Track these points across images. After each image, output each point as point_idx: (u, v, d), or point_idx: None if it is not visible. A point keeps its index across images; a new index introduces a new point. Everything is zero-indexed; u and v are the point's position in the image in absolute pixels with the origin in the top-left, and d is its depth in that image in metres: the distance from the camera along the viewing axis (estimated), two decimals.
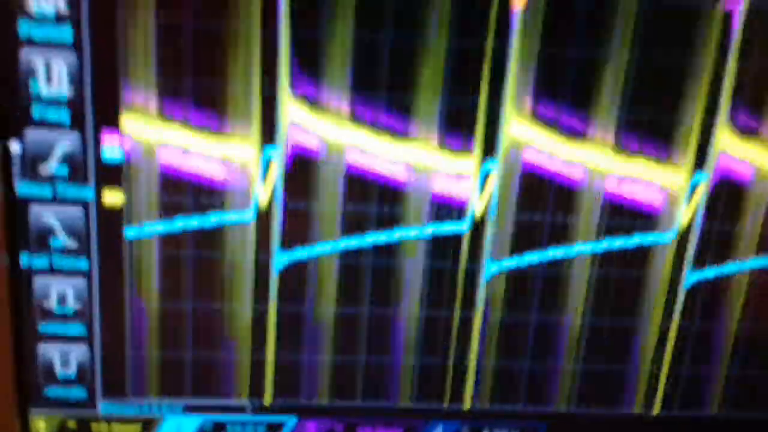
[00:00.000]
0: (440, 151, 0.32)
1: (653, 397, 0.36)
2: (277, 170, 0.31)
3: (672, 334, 0.35)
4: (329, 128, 0.31)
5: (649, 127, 0.32)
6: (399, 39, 0.30)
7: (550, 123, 0.32)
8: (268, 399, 0.34)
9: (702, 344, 0.35)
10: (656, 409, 0.36)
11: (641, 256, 0.34)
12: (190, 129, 0.30)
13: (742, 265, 0.34)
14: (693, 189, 0.33)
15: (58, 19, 0.29)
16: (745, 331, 0.35)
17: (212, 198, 0.31)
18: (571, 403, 0.36)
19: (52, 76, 0.29)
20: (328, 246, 0.32)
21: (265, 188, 0.31)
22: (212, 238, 0.32)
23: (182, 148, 0.31)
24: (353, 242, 0.33)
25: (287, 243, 0.32)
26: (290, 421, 0.35)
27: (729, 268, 0.34)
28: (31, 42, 0.29)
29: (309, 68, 0.30)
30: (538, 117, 0.32)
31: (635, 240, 0.34)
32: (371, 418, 0.35)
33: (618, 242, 0.34)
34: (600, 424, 0.36)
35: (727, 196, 0.33)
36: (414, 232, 0.33)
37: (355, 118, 0.31)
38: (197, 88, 0.30)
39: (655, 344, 0.35)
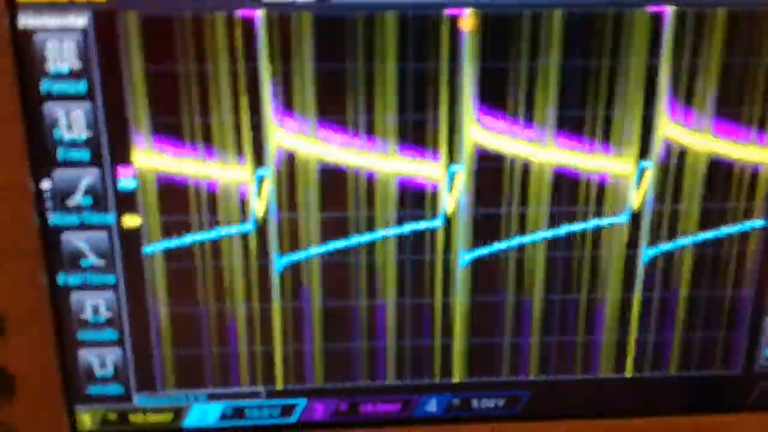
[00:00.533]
0: (413, 160, 0.37)
1: (624, 362, 0.41)
2: (269, 187, 0.36)
3: (636, 304, 0.40)
4: (310, 149, 0.36)
5: (599, 123, 0.37)
6: (366, 66, 0.35)
7: (506, 128, 0.36)
8: (279, 385, 0.40)
9: (662, 312, 0.40)
10: (628, 372, 0.41)
11: (601, 237, 0.38)
12: (192, 159, 0.36)
13: (691, 239, 0.38)
14: (641, 175, 0.37)
15: (73, 75, 0.34)
16: (697, 298, 0.39)
17: (216, 215, 0.37)
18: (550, 371, 0.41)
19: (72, 123, 0.35)
20: (319, 248, 0.38)
21: (260, 203, 0.37)
22: (219, 248, 0.37)
23: (187, 175, 0.36)
24: (341, 244, 0.38)
25: (282, 248, 0.37)
26: (301, 402, 0.40)
27: (679, 243, 0.39)
28: (52, 96, 0.34)
29: (286, 100, 0.35)
30: (494, 124, 0.36)
31: (595, 223, 0.38)
32: (372, 396, 0.41)
33: (579, 226, 0.38)
34: (578, 389, 0.41)
35: (671, 179, 0.37)
36: (393, 231, 0.38)
37: (332, 138, 0.36)
38: (195, 125, 0.35)
39: (621, 314, 0.40)
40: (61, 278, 0.37)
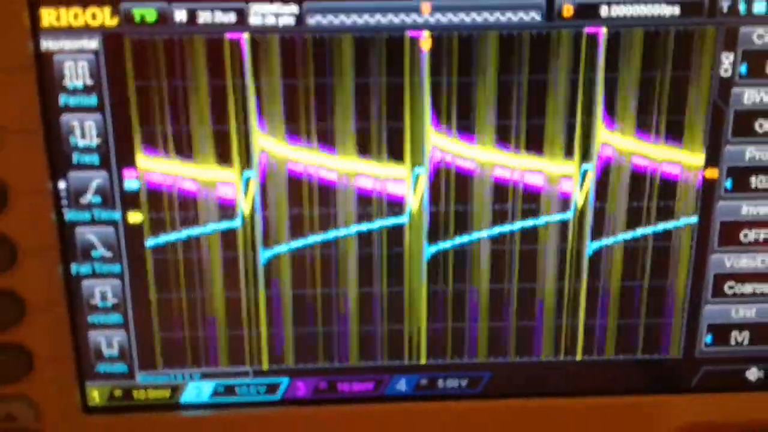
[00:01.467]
0: (382, 163, 0.42)
1: (575, 346, 0.46)
2: (255, 187, 0.42)
3: (583, 293, 0.45)
4: (292, 153, 0.42)
5: (546, 131, 0.42)
6: (341, 81, 0.41)
7: (467, 136, 0.42)
8: (265, 365, 0.46)
9: (607, 300, 0.45)
10: (579, 355, 0.46)
11: (550, 232, 0.44)
12: (188, 162, 0.42)
13: (631, 234, 0.44)
14: (583, 176, 0.43)
15: (86, 90, 0.40)
16: (638, 288, 0.45)
17: (209, 211, 0.43)
18: (508, 354, 0.46)
19: (84, 132, 0.41)
20: (300, 242, 0.43)
21: (246, 201, 0.42)
22: (210, 242, 0.43)
23: (184, 177, 0.42)
24: (319, 238, 0.43)
25: (267, 242, 0.43)
26: (284, 381, 0.46)
27: (620, 237, 0.44)
28: (68, 108, 0.41)
29: (269, 111, 0.41)
30: (456, 131, 0.42)
31: (544, 219, 0.44)
32: (348, 375, 0.46)
33: (530, 222, 0.44)
34: (533, 370, 0.46)
35: (610, 180, 0.43)
36: (366, 226, 0.43)
37: (313, 146, 0.42)
38: (191, 133, 0.41)
39: (570, 302, 0.45)
40: (74, 268, 0.43)
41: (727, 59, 0.41)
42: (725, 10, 0.40)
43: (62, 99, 0.41)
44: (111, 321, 0.44)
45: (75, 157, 0.42)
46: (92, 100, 0.41)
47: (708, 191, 0.43)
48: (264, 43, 0.40)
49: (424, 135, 0.42)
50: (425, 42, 0.41)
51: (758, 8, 0.40)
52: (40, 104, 0.40)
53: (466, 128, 0.42)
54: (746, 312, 0.46)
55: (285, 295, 0.45)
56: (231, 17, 0.40)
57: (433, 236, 0.44)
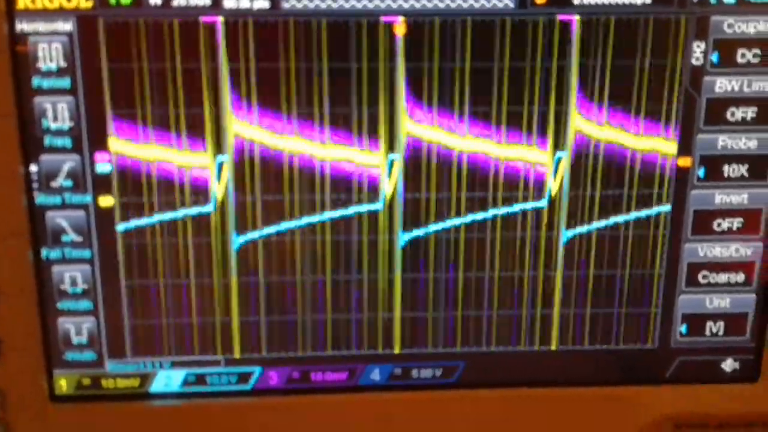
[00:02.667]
0: (356, 149, 0.43)
1: (549, 335, 0.47)
2: (228, 172, 0.43)
3: (557, 282, 0.46)
4: (266, 139, 0.43)
5: (520, 119, 0.43)
6: (315, 66, 0.42)
7: (442, 122, 0.43)
8: (237, 354, 0.46)
9: (581, 289, 0.46)
10: (553, 345, 0.47)
11: (525, 220, 0.45)
12: (161, 147, 0.42)
13: (604, 222, 0.45)
14: (557, 164, 0.44)
15: (59, 72, 0.41)
16: (612, 277, 0.46)
17: (180, 196, 0.43)
18: (483, 343, 0.47)
19: (57, 115, 0.42)
20: (274, 228, 0.44)
21: (219, 186, 0.43)
22: (183, 227, 0.44)
23: (155, 161, 0.43)
24: (293, 225, 0.44)
25: (240, 228, 0.44)
26: (256, 370, 0.46)
27: (594, 226, 0.45)
28: (41, 91, 0.41)
29: (243, 95, 0.42)
30: (431, 118, 0.43)
31: (519, 207, 0.45)
32: (321, 365, 0.46)
33: (504, 210, 0.45)
34: (508, 360, 0.47)
35: (584, 168, 0.44)
36: (339, 213, 0.44)
37: (286, 130, 0.42)
38: (164, 116, 0.42)
39: (544, 291, 0.46)
40: (44, 252, 0.44)
41: (698, 48, 0.43)
42: None
43: (35, 81, 0.41)
44: (80, 307, 0.45)
45: (47, 140, 0.42)
46: (65, 82, 0.41)
47: (681, 180, 0.45)
48: (238, 27, 0.41)
49: (399, 121, 0.43)
50: (400, 27, 0.42)
51: None
52: (13, 86, 0.41)
53: (441, 115, 0.43)
54: (720, 302, 0.47)
55: (258, 282, 0.45)
56: (206, 0, 0.41)
57: (408, 223, 0.45)
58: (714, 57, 0.43)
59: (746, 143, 0.44)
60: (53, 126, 0.42)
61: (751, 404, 0.47)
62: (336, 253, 0.45)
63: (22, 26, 0.40)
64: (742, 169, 0.45)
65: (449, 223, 0.45)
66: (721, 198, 0.45)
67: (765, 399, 0.47)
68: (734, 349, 0.48)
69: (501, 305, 0.46)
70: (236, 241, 0.44)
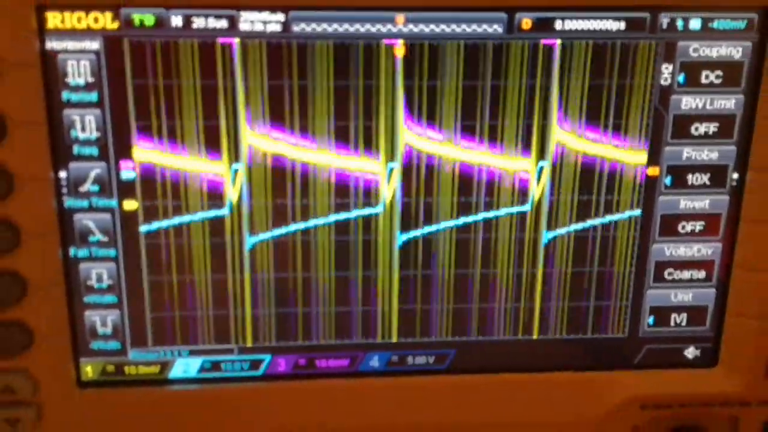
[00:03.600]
0: (359, 158, 0.48)
1: (531, 325, 0.52)
2: (242, 178, 0.47)
3: (539, 278, 0.51)
4: (277, 148, 0.47)
5: (507, 131, 0.48)
6: (323, 83, 0.46)
7: (436, 134, 0.47)
8: (249, 343, 0.50)
9: (561, 284, 0.51)
10: (535, 334, 0.52)
11: (511, 222, 0.50)
12: (181, 156, 0.46)
13: (581, 225, 0.50)
14: (540, 172, 0.49)
15: (87, 87, 0.45)
16: (588, 273, 0.51)
17: (199, 200, 0.47)
18: (471, 333, 0.51)
19: (85, 126, 0.46)
20: (283, 229, 0.48)
21: (234, 191, 0.47)
22: (200, 229, 0.48)
23: (177, 168, 0.47)
24: (301, 226, 0.48)
25: (253, 229, 0.48)
26: (267, 358, 0.51)
27: (572, 227, 0.50)
28: (70, 104, 0.45)
29: (256, 109, 0.46)
30: (426, 130, 0.47)
31: (505, 211, 0.49)
32: (325, 352, 0.51)
33: (492, 213, 0.49)
34: (494, 348, 0.52)
35: (563, 176, 0.49)
36: (344, 216, 0.48)
37: (297, 142, 0.47)
38: (184, 127, 0.46)
39: (528, 286, 0.51)
40: (72, 251, 0.47)
41: (666, 70, 0.47)
42: (665, 26, 0.47)
43: (65, 95, 0.45)
44: (106, 301, 0.49)
45: (75, 149, 0.46)
46: (93, 96, 0.45)
47: (650, 187, 0.50)
48: (253, 48, 0.45)
49: (398, 133, 0.48)
50: (399, 49, 0.46)
51: (694, 25, 0.47)
52: (44, 99, 0.44)
53: (436, 127, 0.48)
54: (684, 296, 0.52)
55: (268, 278, 0.50)
56: (223, 23, 0.45)
57: (405, 225, 0.49)
58: (680, 78, 0.48)
59: (708, 155, 0.49)
60: (81, 136, 0.46)
61: (711, 387, 0.52)
62: (339, 252, 0.49)
63: (52, 44, 0.44)
64: (705, 178, 0.50)
65: (442, 225, 0.50)
66: (685, 203, 0.50)
67: (723, 382, 0.52)
68: (696, 337, 0.53)
69: (488, 299, 0.51)
70: (249, 241, 0.49)
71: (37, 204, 0.46)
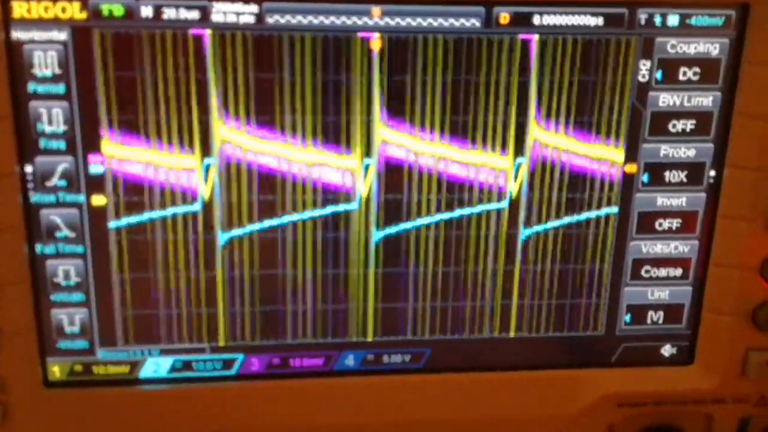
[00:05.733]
0: (335, 153, 0.47)
1: (508, 323, 0.51)
2: (214, 174, 0.46)
3: (515, 276, 0.50)
4: (251, 143, 0.46)
5: (484, 128, 0.47)
6: (294, 77, 0.45)
7: (413, 130, 0.47)
8: (221, 342, 0.49)
9: (537, 282, 0.50)
10: (512, 332, 0.51)
11: (488, 219, 0.49)
12: (150, 150, 0.45)
13: (559, 222, 0.49)
14: (517, 169, 0.48)
15: (54, 79, 0.43)
16: (565, 271, 0.50)
17: (170, 196, 0.46)
18: (447, 331, 0.51)
19: (51, 118, 0.44)
20: (257, 226, 0.47)
21: (206, 187, 0.46)
22: (171, 225, 0.47)
23: (146, 163, 0.45)
24: (275, 223, 0.47)
25: (226, 225, 0.47)
26: (240, 357, 0.50)
27: (550, 224, 0.49)
28: (36, 96, 0.44)
29: (229, 103, 0.45)
30: (403, 126, 0.46)
31: (482, 208, 0.49)
32: (299, 351, 0.50)
33: (469, 210, 0.49)
34: (470, 346, 0.51)
35: (540, 172, 0.48)
36: (319, 212, 0.48)
37: (268, 136, 0.46)
38: (154, 122, 0.45)
39: (504, 283, 0.50)
40: (38, 248, 0.46)
41: (644, 66, 0.47)
42: (643, 22, 0.46)
43: (31, 86, 0.43)
44: (73, 299, 0.47)
45: (42, 143, 0.45)
46: (60, 88, 0.44)
47: (627, 184, 0.49)
48: (225, 40, 0.44)
49: (374, 129, 0.47)
50: (375, 43, 0.45)
51: (672, 21, 0.46)
52: (9, 91, 0.43)
53: (413, 123, 0.47)
54: (660, 294, 0.52)
55: (242, 276, 0.48)
56: (194, 14, 0.44)
57: (381, 222, 0.49)
58: (658, 74, 0.47)
59: (686, 152, 0.49)
60: (48, 129, 0.44)
61: (687, 384, 0.52)
62: (314, 250, 0.48)
63: (18, 34, 0.43)
64: (682, 175, 0.49)
65: (419, 222, 0.49)
66: (663, 201, 0.50)
67: (699, 380, 0.52)
68: (672, 335, 0.53)
69: (465, 296, 0.50)
70: (222, 238, 0.48)
71: (1, 199, 0.44)
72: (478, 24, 0.45)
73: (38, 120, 0.44)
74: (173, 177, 0.46)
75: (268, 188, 0.47)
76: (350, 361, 0.51)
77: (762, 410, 0.52)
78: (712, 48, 0.47)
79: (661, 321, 0.52)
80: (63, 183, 0.45)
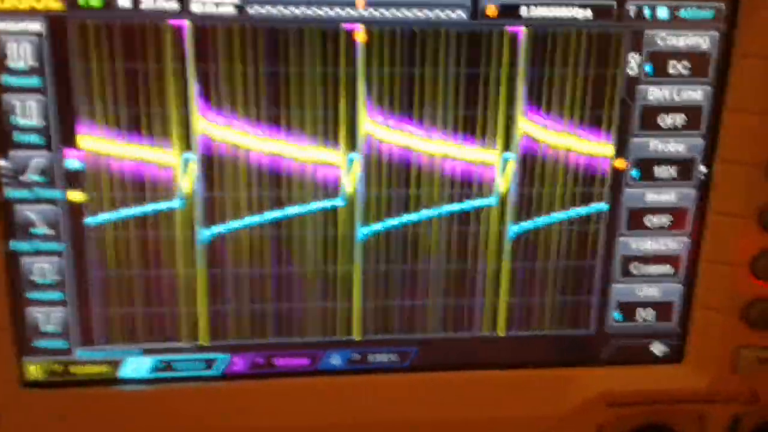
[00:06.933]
0: (318, 147, 0.45)
1: (497, 322, 0.50)
2: (194, 168, 0.45)
3: (505, 273, 0.49)
4: (231, 137, 0.44)
5: (471, 122, 0.46)
6: (278, 68, 0.43)
7: (399, 124, 0.45)
8: (204, 341, 0.48)
9: (526, 279, 0.49)
10: (500, 331, 0.50)
11: (478, 216, 0.48)
12: (129, 144, 0.44)
13: (548, 218, 0.48)
14: (505, 164, 0.47)
15: (30, 72, 0.42)
16: (554, 268, 0.49)
17: (149, 192, 0.45)
18: (434, 330, 0.50)
19: (26, 112, 0.43)
20: (239, 222, 0.46)
21: (186, 182, 0.45)
22: (151, 221, 0.45)
23: (124, 157, 0.44)
24: (257, 219, 0.46)
25: (207, 222, 0.46)
26: (222, 357, 0.48)
27: (539, 221, 0.48)
28: (11, 88, 0.42)
29: (209, 95, 0.44)
30: (388, 120, 0.45)
31: (470, 204, 0.48)
32: (284, 351, 0.49)
33: (456, 206, 0.48)
34: (458, 345, 0.50)
35: (529, 168, 0.47)
36: (304, 208, 0.46)
37: (252, 130, 0.44)
38: (133, 115, 0.43)
39: (493, 281, 0.49)
40: (13, 245, 0.45)
41: (633, 59, 0.46)
42: (632, 14, 0.45)
43: (4, 79, 0.42)
44: (50, 298, 0.46)
45: (16, 136, 0.43)
46: (35, 81, 0.42)
47: (616, 180, 0.48)
48: (205, 31, 0.43)
49: (359, 122, 0.45)
50: (360, 34, 0.44)
51: (661, 14, 0.45)
52: None
53: (399, 117, 0.46)
54: (650, 291, 0.51)
55: (224, 273, 0.47)
56: (173, 4, 0.42)
57: (367, 218, 0.47)
58: (648, 68, 0.46)
59: (675, 147, 0.48)
60: (22, 122, 0.43)
61: (677, 383, 0.51)
62: (298, 247, 0.47)
63: None
64: (672, 171, 0.49)
65: (405, 218, 0.48)
66: (652, 197, 0.49)
67: (689, 378, 0.51)
68: (662, 333, 0.52)
69: (452, 294, 0.49)
70: (203, 234, 0.46)
71: None
72: (464, 16, 0.44)
73: (11, 113, 0.43)
74: (152, 172, 0.45)
75: (250, 184, 0.46)
76: (335, 360, 0.50)
77: (754, 408, 0.52)
78: (702, 41, 0.46)
79: (650, 319, 0.51)
80: (39, 178, 0.44)
